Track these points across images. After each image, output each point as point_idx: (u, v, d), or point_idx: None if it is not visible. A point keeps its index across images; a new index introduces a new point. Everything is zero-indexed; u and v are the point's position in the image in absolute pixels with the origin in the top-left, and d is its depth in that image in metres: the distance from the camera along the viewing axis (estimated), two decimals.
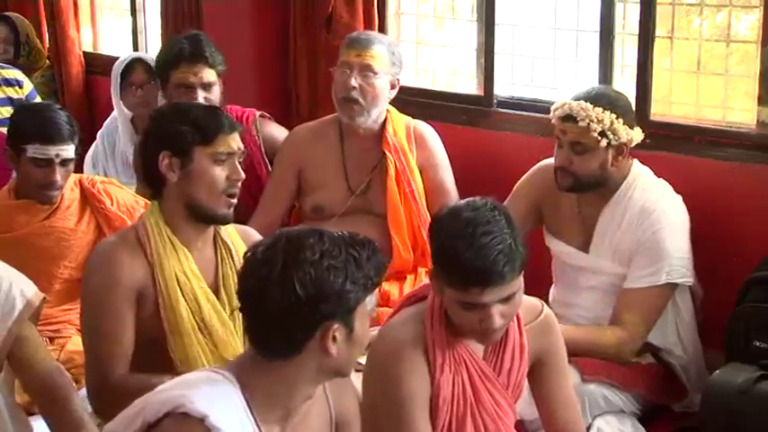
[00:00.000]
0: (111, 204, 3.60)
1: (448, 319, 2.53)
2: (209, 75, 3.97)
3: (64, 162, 3.46)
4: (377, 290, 3.37)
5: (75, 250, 3.56)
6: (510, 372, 2.61)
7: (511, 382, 2.62)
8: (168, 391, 2.10)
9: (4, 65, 4.96)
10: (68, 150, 3.45)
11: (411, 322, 2.55)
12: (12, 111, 4.52)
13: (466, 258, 2.34)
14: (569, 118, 3.34)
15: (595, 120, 3.30)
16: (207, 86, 3.95)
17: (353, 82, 3.76)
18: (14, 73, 4.87)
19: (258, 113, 4.19)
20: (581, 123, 3.31)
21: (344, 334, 2.08)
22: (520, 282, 2.42)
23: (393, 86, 3.85)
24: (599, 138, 3.32)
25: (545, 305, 2.71)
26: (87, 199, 3.61)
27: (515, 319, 2.59)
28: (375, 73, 3.76)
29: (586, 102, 3.32)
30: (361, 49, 3.79)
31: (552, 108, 3.41)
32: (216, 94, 3.97)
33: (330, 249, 2.06)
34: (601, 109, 3.31)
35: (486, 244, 2.34)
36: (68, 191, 3.58)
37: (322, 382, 2.19)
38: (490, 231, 2.36)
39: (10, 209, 3.55)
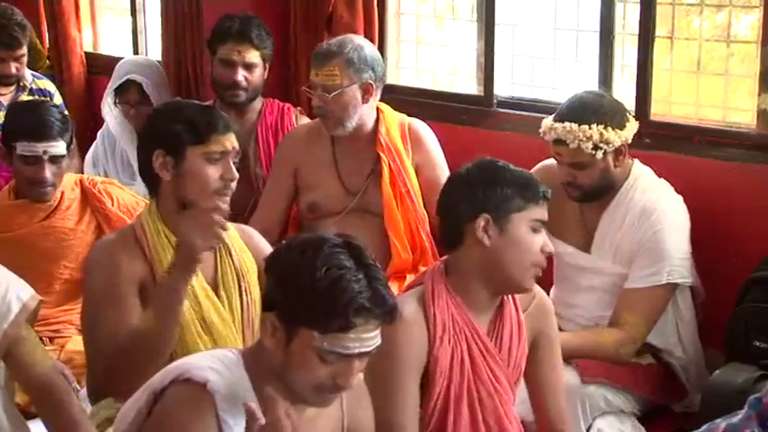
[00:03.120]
0: (112, 204, 3.60)
1: (449, 293, 2.60)
2: (252, 56, 4.17)
3: (53, 159, 3.45)
4: None
5: (76, 250, 3.56)
6: (510, 349, 2.65)
7: (511, 359, 2.66)
8: (174, 364, 2.22)
9: (38, 75, 4.99)
10: (57, 147, 3.44)
11: (411, 299, 2.63)
12: None
13: (524, 173, 2.66)
14: (559, 141, 3.35)
15: (584, 138, 3.30)
16: (248, 66, 4.18)
17: (317, 101, 3.75)
18: (47, 84, 4.90)
19: (297, 108, 4.32)
20: (571, 146, 3.31)
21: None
22: None
23: (367, 91, 3.75)
24: (593, 152, 3.31)
25: (540, 290, 2.76)
26: (88, 199, 3.61)
27: (511, 297, 2.68)
28: (337, 89, 3.71)
29: (571, 121, 3.31)
30: (318, 68, 3.75)
31: (541, 132, 3.41)
32: (256, 77, 4.20)
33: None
34: (587, 126, 3.30)
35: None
36: (69, 191, 3.57)
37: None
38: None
39: (9, 209, 3.55)
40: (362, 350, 2.09)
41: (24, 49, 4.71)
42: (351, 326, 2.06)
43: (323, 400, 2.16)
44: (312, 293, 2.06)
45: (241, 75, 4.15)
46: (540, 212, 2.61)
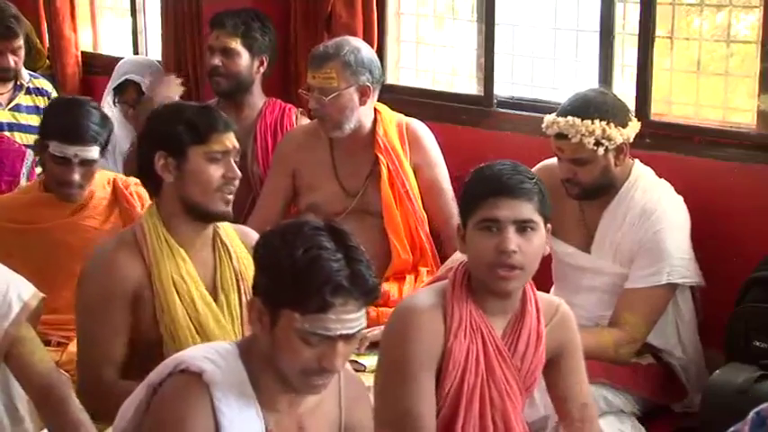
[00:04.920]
0: (142, 207, 3.58)
1: (470, 287, 2.60)
2: (230, 41, 4.21)
3: (83, 162, 3.43)
4: None
5: None
6: (524, 356, 2.63)
7: (524, 367, 2.64)
8: (171, 357, 2.23)
9: (35, 74, 4.99)
10: (89, 152, 3.42)
11: (432, 292, 2.63)
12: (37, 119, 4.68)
13: (486, 173, 2.60)
14: (561, 136, 3.34)
15: (587, 133, 3.30)
16: (225, 52, 4.22)
17: (314, 104, 3.75)
18: (44, 83, 4.91)
19: (298, 109, 4.30)
20: (573, 140, 3.31)
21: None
22: (538, 220, 2.56)
23: (364, 93, 3.74)
24: (595, 148, 3.31)
25: (562, 302, 2.75)
26: (117, 199, 3.59)
27: (534, 306, 2.65)
28: (333, 92, 3.70)
29: (574, 116, 3.31)
30: (315, 71, 3.74)
31: (543, 126, 3.41)
32: (237, 64, 4.22)
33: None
34: (589, 121, 3.30)
35: (506, 167, 2.59)
36: (100, 189, 3.56)
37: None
38: (512, 165, 2.62)
39: (39, 201, 3.55)
40: (344, 332, 2.07)
41: (21, 41, 4.70)
42: (329, 306, 2.05)
43: (311, 385, 2.14)
44: (290, 274, 2.06)
45: (218, 59, 4.20)
46: None
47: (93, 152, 3.44)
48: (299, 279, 2.06)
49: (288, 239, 2.10)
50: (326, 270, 2.05)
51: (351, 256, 2.10)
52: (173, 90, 4.46)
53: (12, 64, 4.65)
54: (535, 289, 2.67)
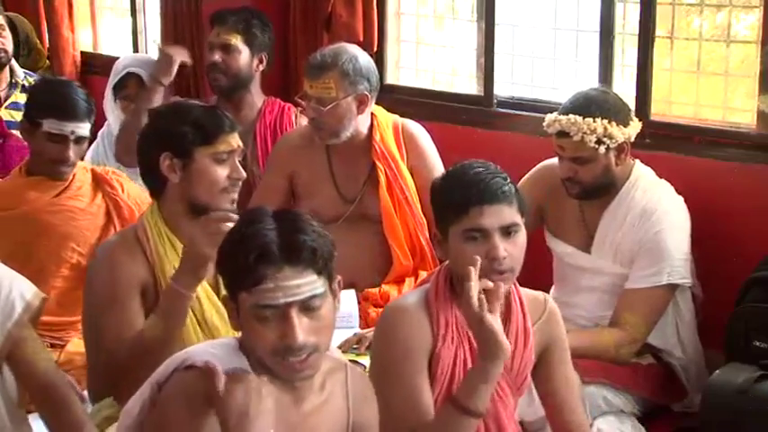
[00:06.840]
0: (122, 192, 3.59)
1: (453, 292, 2.58)
2: (229, 37, 4.25)
3: (78, 140, 3.45)
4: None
5: (84, 232, 3.53)
6: (513, 356, 2.62)
7: (514, 366, 2.63)
8: (175, 355, 2.23)
9: (30, 72, 5.00)
10: (83, 128, 3.45)
11: (417, 295, 2.62)
12: None
13: (465, 180, 2.53)
14: (563, 134, 3.34)
15: (588, 131, 3.30)
16: (225, 48, 4.25)
17: (312, 113, 3.72)
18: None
19: (297, 108, 4.28)
20: (575, 138, 3.31)
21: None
22: (520, 221, 2.54)
23: (362, 102, 3.70)
24: (596, 146, 3.31)
25: (547, 297, 2.74)
26: (99, 183, 3.60)
27: (519, 303, 2.63)
28: (332, 102, 3.66)
29: (576, 114, 3.32)
30: (312, 80, 3.69)
31: (545, 125, 3.41)
32: (236, 60, 4.26)
33: None
34: (591, 119, 3.30)
35: (482, 171, 2.54)
36: (80, 172, 3.57)
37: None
38: (485, 167, 2.56)
39: (21, 186, 3.54)
40: (288, 299, 2.04)
41: (1, 19, 4.70)
42: (262, 276, 2.03)
43: (290, 368, 2.08)
44: (228, 257, 2.10)
45: (218, 55, 4.23)
46: None
47: (86, 129, 3.46)
48: (233, 259, 2.08)
49: (232, 229, 2.16)
50: (254, 242, 2.05)
51: (286, 226, 2.08)
52: (179, 54, 4.45)
53: None
54: (518, 286, 2.65)
